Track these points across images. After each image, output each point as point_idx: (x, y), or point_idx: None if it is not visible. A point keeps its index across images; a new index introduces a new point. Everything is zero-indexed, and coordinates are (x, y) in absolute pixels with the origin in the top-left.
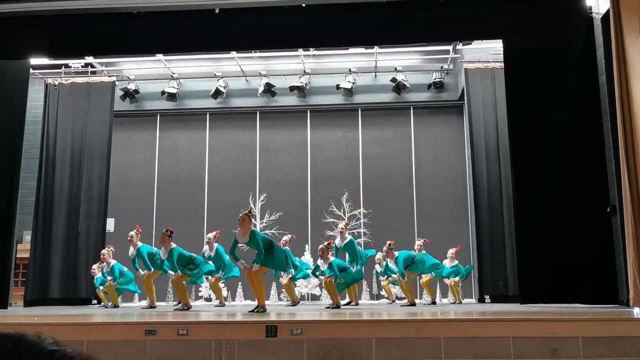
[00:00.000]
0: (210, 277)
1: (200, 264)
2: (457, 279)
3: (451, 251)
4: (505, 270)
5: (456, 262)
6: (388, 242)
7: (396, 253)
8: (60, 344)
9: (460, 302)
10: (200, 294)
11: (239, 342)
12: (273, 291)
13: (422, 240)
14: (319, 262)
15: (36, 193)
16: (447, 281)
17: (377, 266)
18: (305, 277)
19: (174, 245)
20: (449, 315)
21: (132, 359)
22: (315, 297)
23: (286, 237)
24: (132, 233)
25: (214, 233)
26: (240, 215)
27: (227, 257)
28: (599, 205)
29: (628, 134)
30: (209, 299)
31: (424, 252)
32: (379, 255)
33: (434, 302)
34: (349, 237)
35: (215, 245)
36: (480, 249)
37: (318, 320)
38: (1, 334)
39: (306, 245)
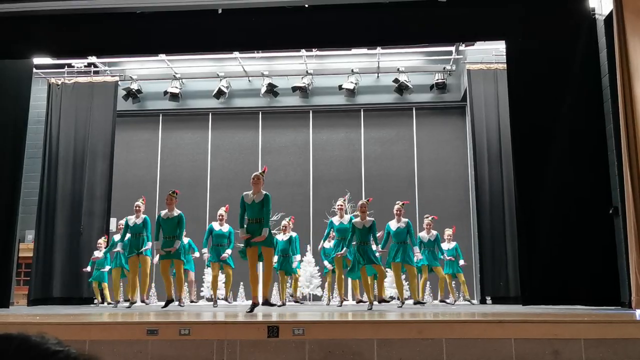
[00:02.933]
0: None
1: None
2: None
3: (448, 232)
4: (506, 271)
5: (454, 243)
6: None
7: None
8: (63, 345)
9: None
10: (202, 293)
11: (240, 342)
12: (275, 291)
13: (430, 218)
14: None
15: (39, 192)
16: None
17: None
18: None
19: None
20: (451, 316)
21: (134, 358)
22: (316, 298)
23: (284, 221)
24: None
25: (224, 208)
26: (255, 174)
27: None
28: (601, 207)
29: (631, 135)
30: (210, 299)
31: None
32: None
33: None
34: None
35: (228, 225)
36: (482, 250)
37: (320, 320)
38: (5, 335)
39: (308, 246)
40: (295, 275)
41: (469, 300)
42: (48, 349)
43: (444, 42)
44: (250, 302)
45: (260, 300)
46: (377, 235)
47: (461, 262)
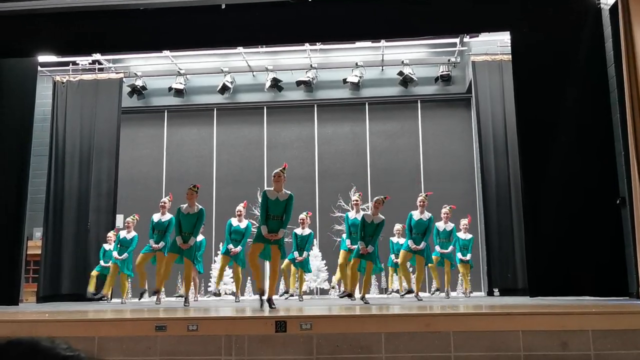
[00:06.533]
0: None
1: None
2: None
3: (464, 222)
4: (514, 263)
5: (470, 235)
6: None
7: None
8: (73, 349)
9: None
10: (209, 288)
11: (248, 337)
12: (282, 286)
13: (448, 208)
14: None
15: (46, 190)
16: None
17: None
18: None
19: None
20: (459, 309)
21: (143, 354)
22: (324, 292)
23: (302, 215)
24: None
25: (242, 204)
26: (276, 171)
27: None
28: (608, 198)
29: (638, 125)
30: (218, 294)
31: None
32: (398, 226)
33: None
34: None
35: (246, 221)
36: (488, 242)
37: (327, 315)
38: (15, 340)
39: (314, 240)
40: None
41: (463, 293)
42: (58, 354)
43: (449, 34)
44: (257, 297)
45: (265, 296)
46: (399, 227)
47: (467, 257)
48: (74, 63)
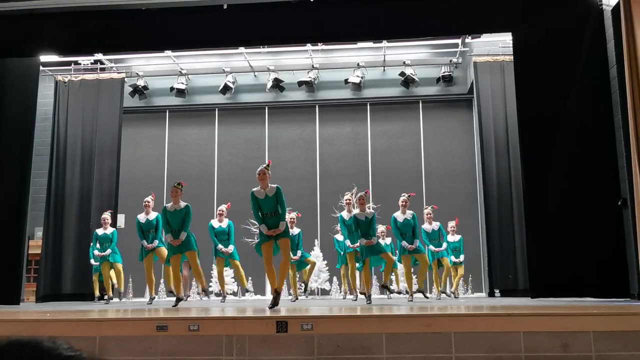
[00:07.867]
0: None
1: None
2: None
3: (451, 224)
4: (515, 264)
5: (459, 236)
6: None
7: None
8: (75, 349)
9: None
10: (210, 288)
11: (249, 338)
12: (283, 286)
13: (429, 208)
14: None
15: (47, 189)
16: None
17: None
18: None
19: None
20: (460, 310)
21: (144, 354)
22: (325, 292)
23: (292, 215)
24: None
25: (225, 205)
26: (260, 168)
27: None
28: (609, 199)
29: (639, 126)
30: (219, 294)
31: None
32: (382, 228)
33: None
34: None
35: (227, 220)
36: (490, 243)
37: (328, 315)
38: (17, 341)
39: (315, 240)
40: (305, 270)
41: (453, 294)
42: (60, 355)
43: (451, 34)
44: (259, 296)
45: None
46: (383, 229)
47: (461, 257)
48: (76, 63)
